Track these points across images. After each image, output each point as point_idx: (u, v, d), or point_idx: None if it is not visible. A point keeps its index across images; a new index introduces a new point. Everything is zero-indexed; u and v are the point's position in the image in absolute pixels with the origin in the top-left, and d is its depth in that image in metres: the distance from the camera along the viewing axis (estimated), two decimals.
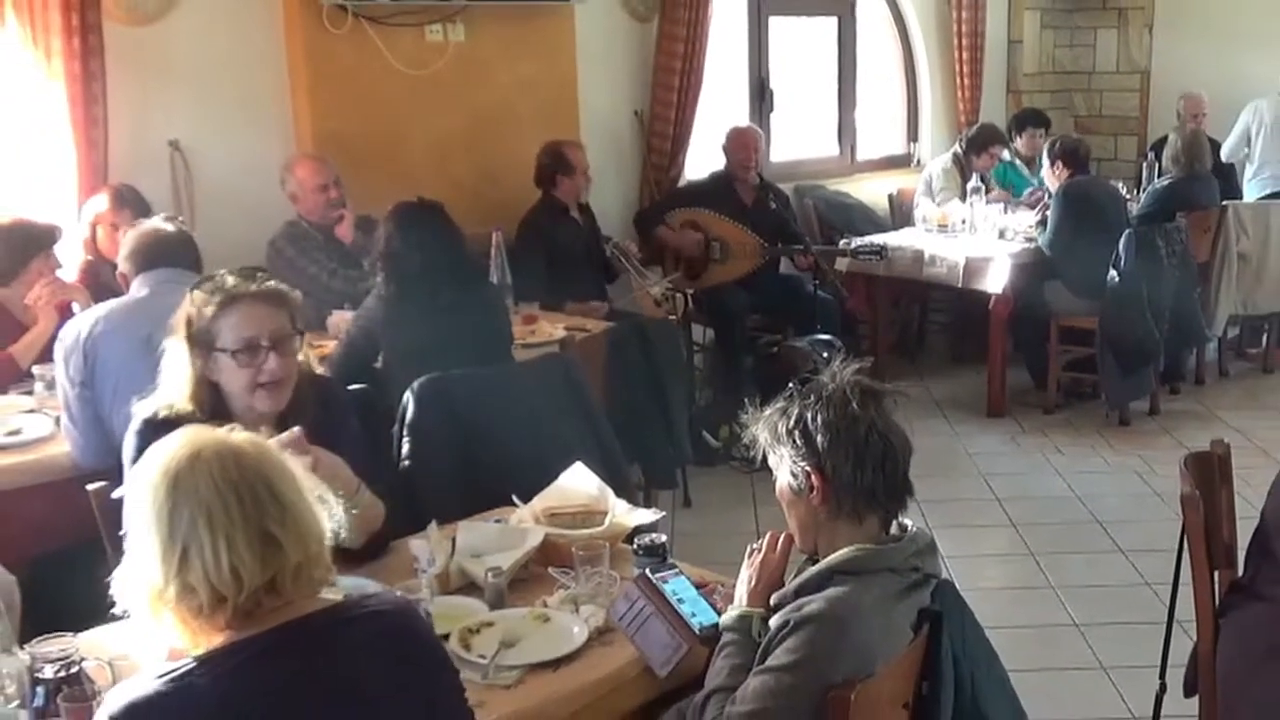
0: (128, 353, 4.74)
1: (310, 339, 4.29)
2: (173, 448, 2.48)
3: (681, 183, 9.72)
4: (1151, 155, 10.75)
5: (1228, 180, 10.77)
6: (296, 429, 3.72)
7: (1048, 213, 9.38)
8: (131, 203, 6.43)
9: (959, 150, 10.90)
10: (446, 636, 3.33)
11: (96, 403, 4.96)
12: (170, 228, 5.53)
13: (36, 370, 5.63)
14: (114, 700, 2.32)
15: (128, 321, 4.96)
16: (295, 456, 3.53)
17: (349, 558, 3.76)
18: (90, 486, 4.17)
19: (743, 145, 9.30)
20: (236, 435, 2.55)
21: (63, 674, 2.97)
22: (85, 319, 5.10)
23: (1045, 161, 9.66)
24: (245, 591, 2.37)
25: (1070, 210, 9.06)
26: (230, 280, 3.89)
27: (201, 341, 3.84)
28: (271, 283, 3.97)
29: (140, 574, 2.43)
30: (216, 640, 2.41)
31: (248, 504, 2.40)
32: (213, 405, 3.84)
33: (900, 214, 11.21)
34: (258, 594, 2.40)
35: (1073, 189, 9.18)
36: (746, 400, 3.48)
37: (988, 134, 10.90)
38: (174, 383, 3.88)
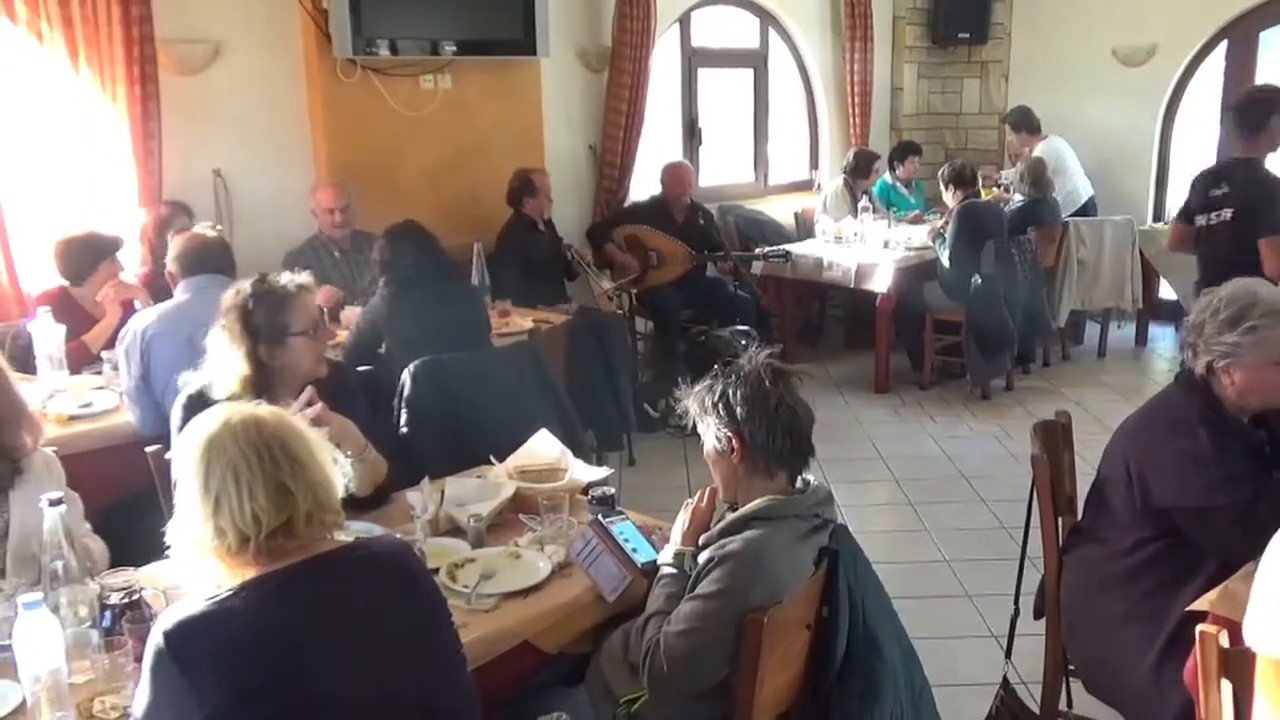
0: (174, 351, 4.76)
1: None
2: (208, 420, 2.52)
3: (627, 203, 9.70)
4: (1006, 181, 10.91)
5: None
6: (319, 405, 3.75)
7: (945, 229, 9.34)
8: (182, 209, 6.53)
9: (846, 177, 10.92)
10: (436, 570, 3.36)
11: (151, 389, 4.99)
12: (211, 234, 5.58)
13: (104, 355, 5.67)
14: (167, 618, 2.34)
15: (173, 325, 4.99)
16: (317, 425, 3.58)
17: (358, 505, 3.80)
18: (148, 449, 4.18)
19: (676, 180, 9.34)
20: (261, 409, 2.57)
21: (126, 601, 2.99)
22: (140, 321, 5.13)
23: (941, 187, 9.61)
24: (264, 531, 2.41)
25: (965, 226, 9.02)
26: (286, 278, 3.99)
27: (271, 331, 3.88)
28: (305, 277, 4.05)
29: (186, 525, 2.47)
30: (249, 575, 2.43)
31: (266, 461, 2.44)
32: (261, 386, 3.85)
33: (804, 228, 11.18)
34: (276, 535, 2.43)
35: (967, 210, 9.14)
36: (680, 379, 3.49)
37: (865, 159, 10.93)
38: (224, 370, 3.88)
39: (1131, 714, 3.78)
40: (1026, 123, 11.12)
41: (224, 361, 3.89)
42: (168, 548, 2.54)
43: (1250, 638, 2.65)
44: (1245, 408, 3.70)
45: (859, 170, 10.83)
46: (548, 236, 8.48)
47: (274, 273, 4.04)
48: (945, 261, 9.17)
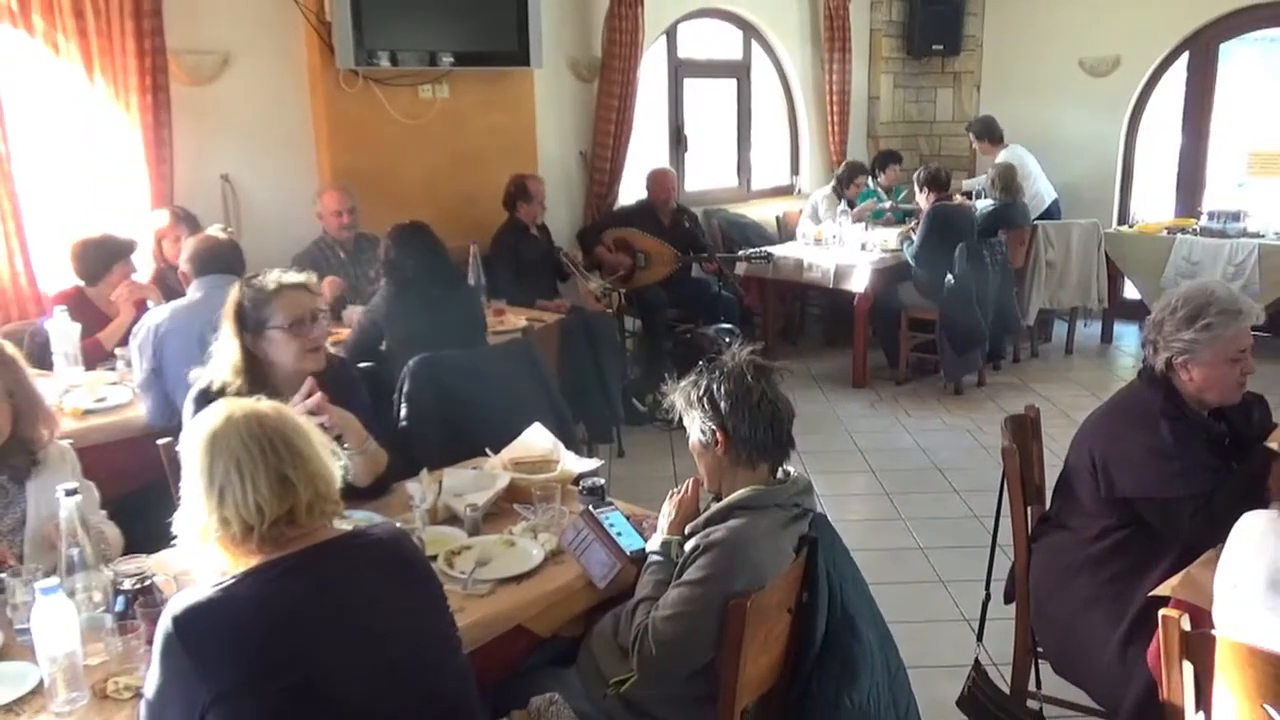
0: (185, 347, 4.76)
1: (329, 328, 4.34)
2: (212, 415, 2.53)
3: (616, 207, 9.70)
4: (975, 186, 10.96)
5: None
6: (319, 394, 3.76)
7: (913, 231, 9.39)
8: (186, 220, 6.47)
9: (836, 185, 10.91)
10: (434, 557, 3.36)
11: (163, 383, 5.01)
12: (222, 236, 5.62)
13: (118, 352, 5.71)
14: (176, 604, 2.34)
15: (185, 322, 5.03)
16: (316, 415, 3.59)
17: (359, 495, 3.83)
18: (159, 442, 4.17)
19: (661, 185, 9.38)
20: (262, 403, 2.58)
21: (138, 586, 2.98)
22: (154, 318, 5.17)
23: (916, 189, 9.62)
24: (267, 521, 2.42)
25: (934, 228, 9.05)
26: (275, 275, 4.00)
27: (253, 323, 3.92)
28: (302, 276, 4.08)
29: (192, 515, 2.47)
30: (253, 562, 2.43)
31: (268, 453, 2.45)
32: (254, 375, 3.90)
33: (785, 231, 11.19)
34: (279, 524, 2.43)
35: (937, 212, 9.15)
36: (666, 375, 3.50)
37: (853, 169, 10.92)
38: (222, 360, 3.95)
39: (1097, 694, 3.79)
40: (989, 132, 11.18)
41: (223, 348, 3.96)
42: (177, 537, 2.55)
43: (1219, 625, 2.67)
44: (1204, 402, 3.73)
45: (846, 180, 10.85)
46: (541, 240, 8.49)
47: (269, 270, 4.07)
48: (911, 260, 9.19)
